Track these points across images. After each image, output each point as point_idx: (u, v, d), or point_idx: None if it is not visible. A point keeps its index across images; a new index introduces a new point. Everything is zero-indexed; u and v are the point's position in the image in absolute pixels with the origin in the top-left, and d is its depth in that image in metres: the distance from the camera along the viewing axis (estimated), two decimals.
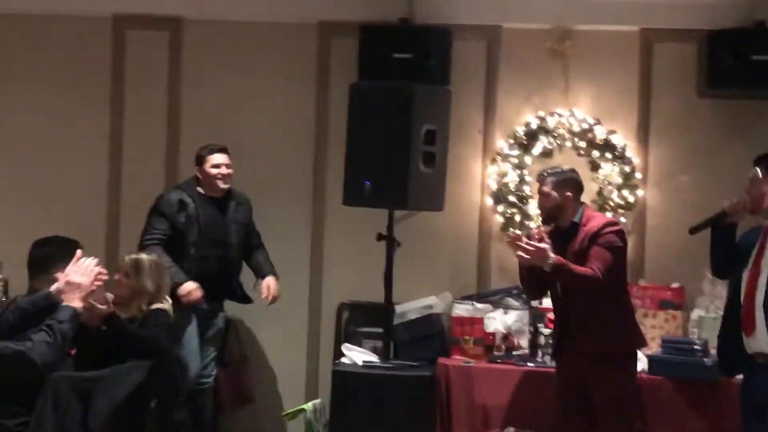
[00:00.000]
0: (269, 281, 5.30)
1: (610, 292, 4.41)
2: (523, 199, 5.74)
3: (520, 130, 5.75)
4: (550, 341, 5.02)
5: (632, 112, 5.72)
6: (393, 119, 5.08)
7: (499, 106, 5.80)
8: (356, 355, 5.26)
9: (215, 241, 5.23)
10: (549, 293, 4.65)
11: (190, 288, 5.03)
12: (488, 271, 5.80)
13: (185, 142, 5.87)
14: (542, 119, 5.73)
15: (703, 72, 5.53)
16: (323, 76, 5.90)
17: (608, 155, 5.65)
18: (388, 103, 5.10)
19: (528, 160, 5.75)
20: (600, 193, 5.68)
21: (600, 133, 5.68)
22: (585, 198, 5.67)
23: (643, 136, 5.72)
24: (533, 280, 4.52)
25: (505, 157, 5.75)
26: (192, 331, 5.12)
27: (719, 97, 5.59)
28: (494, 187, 5.75)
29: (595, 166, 5.68)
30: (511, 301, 5.50)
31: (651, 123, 5.71)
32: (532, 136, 5.72)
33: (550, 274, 4.31)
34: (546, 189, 4.53)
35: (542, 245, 4.26)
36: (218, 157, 5.24)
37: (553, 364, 5.07)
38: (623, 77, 5.73)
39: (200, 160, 5.26)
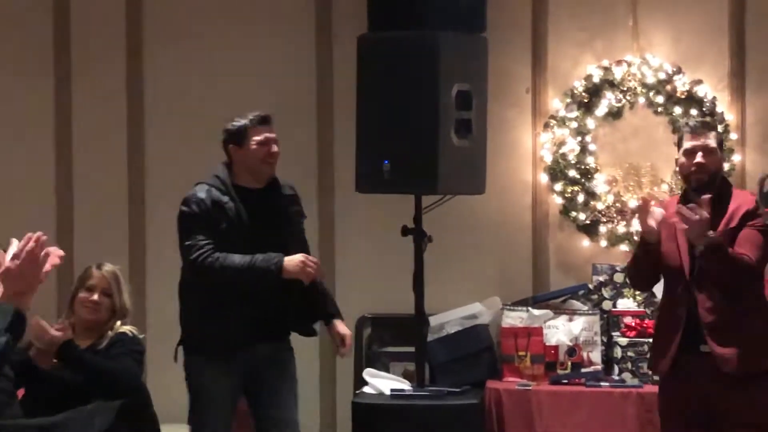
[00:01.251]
0: (343, 329, 4.76)
1: (754, 288, 4.31)
2: (588, 174, 5.69)
3: (579, 86, 5.69)
4: (645, 351, 4.99)
5: (723, 56, 5.65)
6: (415, 79, 5.03)
7: (551, 57, 5.76)
8: (382, 382, 5.24)
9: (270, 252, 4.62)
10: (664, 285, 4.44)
11: (298, 259, 4.54)
12: (546, 269, 5.77)
13: (151, 122, 5.90)
14: (607, 70, 5.66)
15: None
16: (324, 27, 5.87)
17: (694, 112, 5.57)
18: (408, 59, 5.06)
19: (591, 123, 5.68)
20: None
21: (682, 84, 5.61)
22: (666, 168, 5.75)
23: (738, 85, 5.66)
24: (650, 263, 4.39)
25: (562, 121, 5.71)
26: None
27: None
28: (549, 159, 5.72)
29: (677, 127, 5.57)
30: (577, 305, 5.46)
31: (747, 69, 5.66)
32: (594, 92, 5.65)
33: (700, 255, 4.16)
34: (712, 144, 4.39)
35: (705, 214, 4.12)
36: (265, 131, 4.64)
37: (636, 382, 5.07)
38: (709, 10, 5.66)
39: (238, 137, 4.61)
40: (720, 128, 5.54)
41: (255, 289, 4.52)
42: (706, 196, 4.19)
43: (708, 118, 5.46)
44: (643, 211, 4.34)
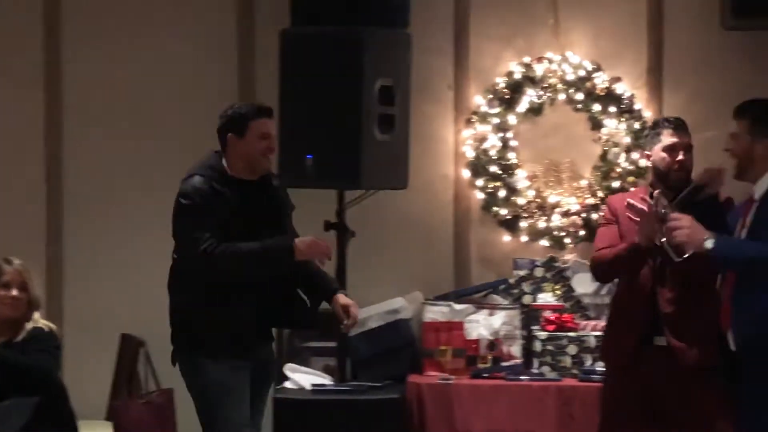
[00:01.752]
0: (345, 300, 4.54)
1: (711, 281, 4.22)
2: (509, 170, 5.72)
3: (501, 82, 5.72)
4: (564, 345, 5.09)
5: (641, 54, 5.72)
6: (338, 74, 5.04)
7: (474, 53, 5.78)
8: (303, 377, 5.24)
9: None
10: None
11: (310, 239, 4.40)
12: (467, 263, 5.79)
13: (69, 110, 5.83)
14: (528, 67, 5.71)
15: None
16: (246, 21, 5.84)
17: (612, 109, 5.64)
18: (331, 54, 5.07)
19: (512, 119, 5.71)
20: (604, 157, 5.67)
21: (601, 81, 5.66)
22: (585, 164, 5.82)
23: (655, 83, 5.72)
24: (636, 261, 4.29)
25: (484, 117, 5.73)
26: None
27: (748, 29, 5.57)
28: (471, 155, 5.74)
29: (596, 124, 5.69)
30: (498, 299, 5.50)
31: (664, 66, 5.74)
32: (516, 88, 5.69)
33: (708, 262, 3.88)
34: (691, 143, 4.40)
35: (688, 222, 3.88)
36: (268, 123, 4.43)
37: (555, 375, 5.13)
38: (627, 9, 5.72)
39: (240, 126, 4.36)
40: (638, 125, 5.67)
41: (269, 274, 4.32)
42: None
43: (615, 112, 5.57)
44: (651, 218, 4.20)
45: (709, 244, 3.72)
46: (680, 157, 4.36)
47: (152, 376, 5.63)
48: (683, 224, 3.80)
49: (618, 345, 4.37)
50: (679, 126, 4.46)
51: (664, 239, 3.98)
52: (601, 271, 4.53)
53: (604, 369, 4.62)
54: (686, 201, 4.12)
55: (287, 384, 5.24)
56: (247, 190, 4.38)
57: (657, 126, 4.55)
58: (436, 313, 5.38)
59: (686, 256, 3.89)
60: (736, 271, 3.85)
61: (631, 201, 4.28)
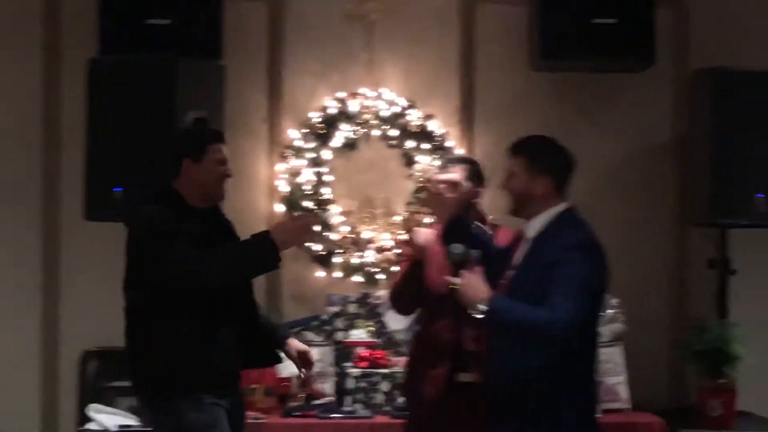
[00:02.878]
0: (299, 345, 4.42)
1: None
2: (323, 205, 5.74)
3: (316, 117, 5.75)
4: (376, 382, 5.12)
5: (453, 92, 5.85)
6: (149, 105, 4.98)
7: (288, 87, 5.81)
8: (108, 418, 5.11)
9: None
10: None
11: (288, 222, 4.18)
12: (280, 299, 5.77)
13: None
14: (342, 102, 5.75)
15: (536, 40, 5.69)
16: (52, 48, 5.73)
17: (425, 145, 5.74)
18: (142, 84, 5.01)
19: (326, 154, 5.75)
20: (417, 192, 5.75)
21: (414, 118, 5.76)
22: (399, 200, 5.90)
23: (467, 121, 5.86)
24: (417, 284, 4.32)
25: (298, 152, 5.75)
26: None
27: (557, 71, 5.80)
28: (285, 189, 5.74)
29: (409, 160, 5.79)
30: (311, 336, 5.48)
31: (476, 105, 5.88)
32: (330, 123, 5.73)
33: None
34: (455, 178, 4.39)
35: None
36: (224, 149, 4.25)
37: (368, 413, 5.16)
38: (440, 48, 5.84)
39: (197, 151, 4.15)
40: None
41: (254, 276, 4.12)
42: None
43: (429, 149, 5.68)
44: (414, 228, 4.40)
45: (481, 308, 3.63)
46: (439, 191, 4.42)
47: None
48: (464, 282, 3.71)
49: (423, 382, 4.39)
50: (443, 164, 4.54)
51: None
52: (393, 299, 4.60)
53: (408, 406, 4.64)
54: (449, 235, 4.07)
55: (90, 426, 5.09)
56: (201, 219, 4.14)
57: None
58: None
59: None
60: (503, 333, 3.79)
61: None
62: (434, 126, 5.80)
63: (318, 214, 4.47)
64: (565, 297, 3.58)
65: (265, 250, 3.98)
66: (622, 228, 5.87)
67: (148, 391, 4.07)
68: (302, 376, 4.38)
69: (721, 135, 5.36)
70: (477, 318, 3.67)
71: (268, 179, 5.79)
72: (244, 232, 5.60)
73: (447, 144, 5.80)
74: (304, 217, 4.13)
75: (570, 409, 3.70)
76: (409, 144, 5.76)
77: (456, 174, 4.46)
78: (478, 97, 5.89)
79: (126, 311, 4.12)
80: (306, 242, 4.02)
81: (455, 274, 3.76)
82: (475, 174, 4.51)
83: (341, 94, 5.77)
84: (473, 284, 3.71)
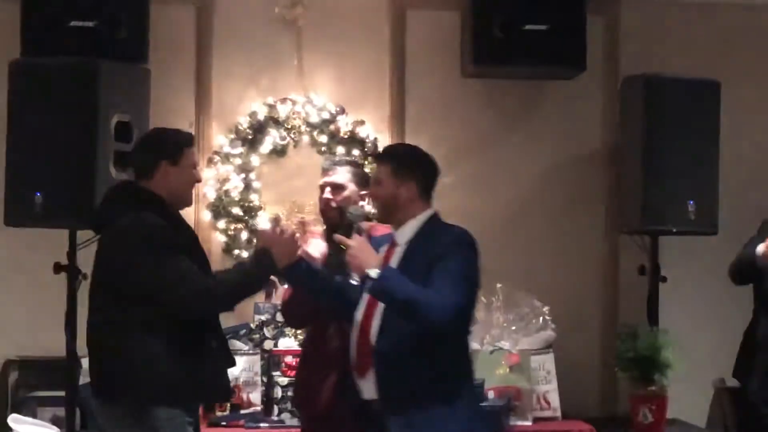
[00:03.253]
0: None
1: None
2: (252, 211, 5.70)
3: (244, 122, 5.72)
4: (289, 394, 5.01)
5: (383, 98, 5.85)
6: (71, 108, 4.88)
7: (216, 91, 5.76)
8: (28, 428, 4.98)
9: None
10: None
11: (277, 237, 3.91)
12: None
13: None
14: (272, 107, 5.72)
15: (467, 46, 5.70)
16: None
17: (356, 152, 5.71)
18: (64, 86, 4.90)
19: (255, 160, 5.71)
20: None
21: (345, 124, 5.74)
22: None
23: (398, 127, 5.87)
24: (306, 297, 4.14)
25: (226, 158, 5.72)
26: None
27: (488, 77, 5.81)
28: (212, 196, 5.69)
29: None
30: (239, 345, 5.42)
31: (407, 111, 5.88)
32: (259, 129, 5.69)
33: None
34: (339, 180, 4.31)
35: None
36: (195, 153, 4.20)
37: (295, 422, 5.06)
38: (371, 54, 5.83)
39: (176, 154, 4.00)
40: None
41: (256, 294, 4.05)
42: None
43: (359, 155, 5.62)
44: (303, 234, 4.34)
45: (373, 273, 3.67)
46: (325, 195, 4.34)
47: None
48: (353, 245, 3.77)
49: (313, 393, 4.29)
50: (326, 167, 4.41)
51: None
52: (284, 310, 4.48)
53: (300, 417, 4.56)
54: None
55: None
56: (186, 227, 4.05)
57: None
58: None
59: (357, 280, 3.87)
60: (389, 306, 3.75)
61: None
62: (365, 132, 5.78)
63: (302, 224, 4.40)
64: (452, 286, 3.66)
65: (270, 268, 3.89)
66: (553, 235, 5.91)
67: (128, 401, 3.87)
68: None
69: (652, 142, 5.40)
70: (364, 285, 3.70)
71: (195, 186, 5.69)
72: None
73: (378, 150, 5.74)
74: (288, 228, 4.00)
75: (460, 398, 3.74)
76: (339, 150, 5.73)
77: (340, 176, 4.34)
78: (409, 103, 5.89)
79: (103, 319, 3.90)
80: (295, 255, 3.93)
81: (348, 237, 3.82)
82: (360, 177, 4.38)
83: (270, 100, 5.74)
84: (366, 249, 3.76)
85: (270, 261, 3.86)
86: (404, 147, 4.04)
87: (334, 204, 4.31)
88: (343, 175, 4.35)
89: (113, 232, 3.90)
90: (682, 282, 5.73)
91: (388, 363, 3.74)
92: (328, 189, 4.34)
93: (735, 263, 5.26)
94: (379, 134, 5.81)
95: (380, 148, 5.70)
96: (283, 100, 5.73)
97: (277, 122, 5.72)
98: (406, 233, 3.86)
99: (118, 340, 3.86)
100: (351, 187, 4.34)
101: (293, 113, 5.72)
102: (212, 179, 5.69)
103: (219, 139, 5.72)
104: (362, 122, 5.79)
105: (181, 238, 3.89)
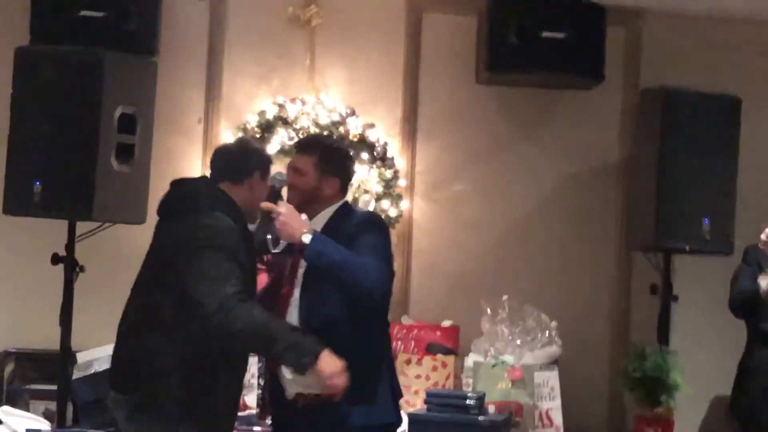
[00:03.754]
0: None
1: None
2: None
3: (253, 120, 5.67)
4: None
5: (396, 102, 5.80)
6: (74, 97, 4.85)
7: (226, 88, 5.73)
8: (18, 421, 4.93)
9: None
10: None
11: (333, 368, 3.62)
12: None
13: None
14: (281, 107, 5.68)
15: (483, 51, 5.65)
16: None
17: (365, 155, 5.65)
18: (68, 75, 4.87)
19: None
20: (354, 203, 5.68)
21: (355, 126, 5.69)
22: None
23: (410, 132, 5.82)
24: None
25: None
26: None
27: (502, 84, 5.75)
28: None
29: None
30: None
31: (419, 116, 5.83)
32: (267, 128, 5.64)
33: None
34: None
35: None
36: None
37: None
38: (385, 56, 5.79)
39: (265, 169, 3.91)
40: (389, 173, 5.68)
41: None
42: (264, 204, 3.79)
43: (368, 159, 5.53)
44: None
45: (306, 238, 3.60)
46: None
47: None
48: (283, 212, 3.66)
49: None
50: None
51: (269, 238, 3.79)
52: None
53: (273, 413, 4.32)
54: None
55: (0, 429, 4.92)
56: (249, 239, 3.82)
57: None
58: None
59: (279, 247, 3.76)
60: (326, 269, 3.64)
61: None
62: (375, 135, 5.72)
63: None
64: (375, 258, 3.64)
65: (306, 357, 3.59)
66: (564, 249, 5.84)
67: (154, 405, 3.71)
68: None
69: (668, 156, 5.30)
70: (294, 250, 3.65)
71: None
72: None
73: (388, 155, 5.72)
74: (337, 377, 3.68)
75: (384, 384, 3.74)
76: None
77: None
78: (422, 107, 5.85)
79: (150, 314, 3.73)
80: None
81: (274, 202, 3.74)
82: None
83: (280, 99, 5.69)
84: (295, 215, 3.70)
85: (310, 356, 3.56)
86: (330, 140, 4.04)
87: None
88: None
89: (191, 225, 3.67)
90: (695, 302, 5.62)
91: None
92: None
93: (735, 299, 5.20)
94: (390, 138, 5.76)
95: (389, 153, 5.72)
96: (293, 100, 5.69)
97: (285, 122, 5.67)
98: (318, 222, 3.79)
99: (156, 336, 3.71)
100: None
101: (302, 113, 5.68)
102: None
103: (227, 136, 5.67)
104: (372, 125, 5.73)
105: (243, 251, 3.69)
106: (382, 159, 5.69)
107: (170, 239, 3.73)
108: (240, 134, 5.66)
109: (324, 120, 5.67)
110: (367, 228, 3.74)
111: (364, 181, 5.67)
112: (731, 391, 5.33)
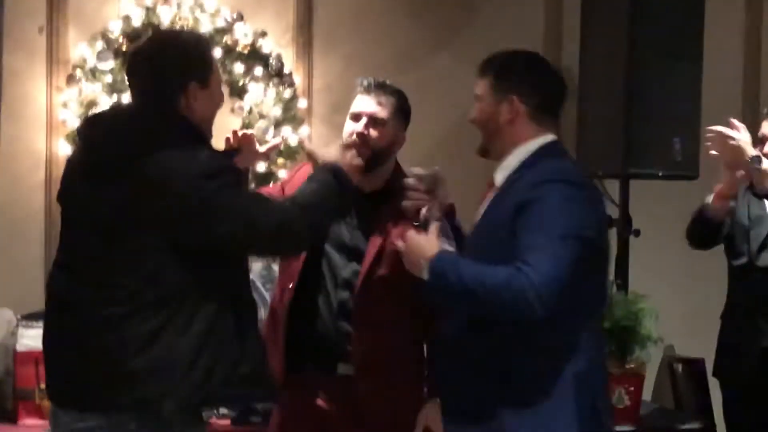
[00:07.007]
0: None
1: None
2: None
3: (116, 28, 5.09)
4: None
5: (286, 4, 5.34)
6: None
7: None
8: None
9: None
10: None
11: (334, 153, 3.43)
12: None
13: None
14: (150, 11, 5.13)
15: None
16: None
17: (258, 71, 5.19)
18: None
19: None
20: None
21: (243, 35, 5.20)
22: (220, 136, 5.11)
23: (304, 42, 5.39)
24: None
25: (92, 74, 5.12)
26: None
27: None
28: (73, 124, 5.01)
29: (237, 90, 5.22)
30: None
31: (314, 22, 5.42)
32: (134, 38, 5.07)
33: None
34: (381, 114, 3.63)
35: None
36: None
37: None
38: None
39: (204, 73, 3.33)
40: (288, 93, 5.32)
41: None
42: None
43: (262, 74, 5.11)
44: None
45: (425, 274, 3.08)
46: (359, 128, 3.65)
47: None
48: (407, 244, 3.18)
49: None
50: (370, 86, 3.71)
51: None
52: None
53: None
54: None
55: None
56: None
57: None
58: (35, 338, 4.54)
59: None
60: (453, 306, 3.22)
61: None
62: (269, 46, 5.25)
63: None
64: (541, 248, 2.94)
65: (347, 185, 3.34)
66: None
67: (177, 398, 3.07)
68: None
69: (638, 63, 4.80)
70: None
71: (48, 109, 5.09)
72: (13, 178, 5.03)
73: (285, 70, 5.24)
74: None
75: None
76: (238, 68, 5.18)
77: (380, 108, 3.64)
78: (318, 11, 5.43)
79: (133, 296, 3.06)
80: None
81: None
82: (402, 109, 3.70)
83: (148, 1, 5.15)
84: (416, 244, 3.13)
85: (346, 181, 3.31)
86: (509, 54, 3.28)
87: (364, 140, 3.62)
88: (387, 108, 3.64)
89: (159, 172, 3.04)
90: (654, 236, 5.24)
91: None
92: (364, 120, 3.62)
93: (690, 225, 4.81)
94: (281, 50, 5.28)
95: (285, 67, 5.27)
96: (166, 1, 5.12)
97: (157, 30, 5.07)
98: (504, 171, 3.16)
99: (151, 323, 3.11)
100: (392, 123, 3.65)
101: (179, 18, 5.12)
102: (73, 101, 5.03)
103: (81, 49, 5.06)
104: (264, 33, 5.23)
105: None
106: (278, 75, 5.21)
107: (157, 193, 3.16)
108: (101, 47, 5.05)
109: (206, 26, 5.13)
110: (542, 193, 2.98)
111: (259, 104, 5.17)
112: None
